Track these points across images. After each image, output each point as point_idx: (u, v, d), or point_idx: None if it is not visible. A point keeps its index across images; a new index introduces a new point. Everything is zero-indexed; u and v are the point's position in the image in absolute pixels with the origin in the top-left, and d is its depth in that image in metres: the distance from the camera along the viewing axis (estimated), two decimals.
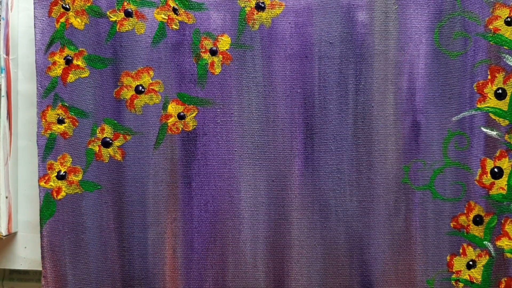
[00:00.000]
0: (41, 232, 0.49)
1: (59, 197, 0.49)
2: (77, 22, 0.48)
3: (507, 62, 0.47)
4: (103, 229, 0.49)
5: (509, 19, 0.47)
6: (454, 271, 0.48)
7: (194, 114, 0.48)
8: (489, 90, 0.48)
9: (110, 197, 0.49)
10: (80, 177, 0.49)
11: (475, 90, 0.48)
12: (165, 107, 0.48)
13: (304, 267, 0.48)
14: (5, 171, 0.49)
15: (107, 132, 0.49)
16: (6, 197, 0.49)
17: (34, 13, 0.48)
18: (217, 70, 0.48)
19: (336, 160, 0.48)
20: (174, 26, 0.48)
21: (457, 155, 0.48)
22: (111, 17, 0.48)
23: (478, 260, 0.48)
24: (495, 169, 0.48)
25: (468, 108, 0.48)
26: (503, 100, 0.47)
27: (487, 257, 0.48)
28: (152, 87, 0.48)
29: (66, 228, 0.49)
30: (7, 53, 0.50)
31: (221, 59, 0.48)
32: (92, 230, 0.49)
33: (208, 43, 0.48)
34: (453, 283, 0.48)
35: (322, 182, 0.48)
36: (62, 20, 0.48)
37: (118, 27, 0.48)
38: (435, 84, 0.48)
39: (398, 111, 0.48)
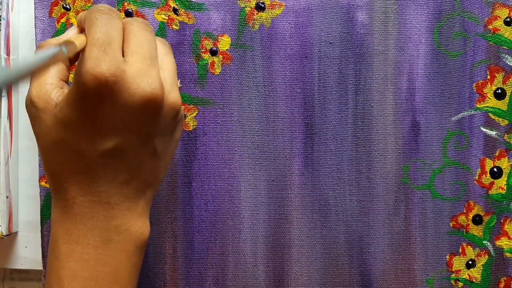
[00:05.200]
0: (41, 232, 0.49)
1: None
2: None
3: (507, 62, 0.47)
4: None
5: (508, 19, 0.47)
6: (453, 270, 0.48)
7: (194, 114, 0.48)
8: (489, 90, 0.48)
9: None
10: None
11: (475, 90, 0.48)
12: None
13: (304, 267, 0.48)
14: (5, 171, 0.49)
15: None
16: (7, 197, 0.49)
17: (35, 13, 0.48)
18: (217, 70, 0.48)
19: (336, 160, 0.48)
20: (174, 26, 0.48)
21: (456, 155, 0.48)
22: None
23: (478, 259, 0.48)
24: (495, 169, 0.48)
25: (467, 108, 0.48)
26: (503, 100, 0.48)
27: (487, 256, 0.48)
28: None
29: None
30: (8, 53, 0.50)
31: (221, 59, 0.48)
32: None
33: (208, 43, 0.48)
34: (453, 283, 0.48)
35: (322, 182, 0.48)
36: (63, 20, 0.48)
37: None
38: (435, 84, 0.48)
39: (398, 111, 0.48)
